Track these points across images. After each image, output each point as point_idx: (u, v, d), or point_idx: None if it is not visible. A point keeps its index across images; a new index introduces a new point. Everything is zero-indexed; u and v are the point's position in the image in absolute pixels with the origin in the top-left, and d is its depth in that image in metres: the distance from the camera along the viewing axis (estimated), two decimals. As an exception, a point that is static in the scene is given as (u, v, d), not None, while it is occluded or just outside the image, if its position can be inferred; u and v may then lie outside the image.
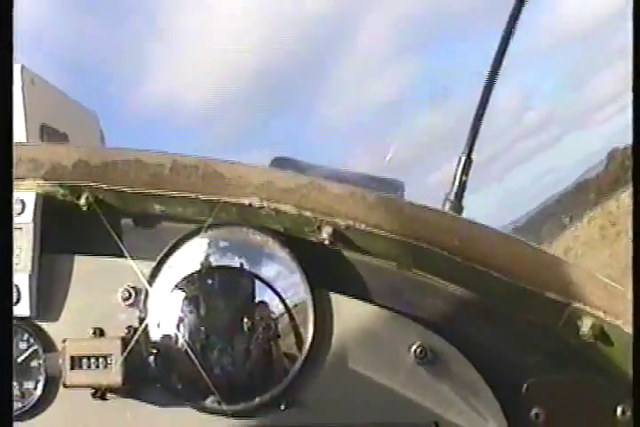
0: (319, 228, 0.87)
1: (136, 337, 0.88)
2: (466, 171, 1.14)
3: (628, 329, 0.84)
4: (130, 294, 0.90)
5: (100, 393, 0.89)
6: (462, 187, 1.14)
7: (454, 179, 1.15)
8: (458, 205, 1.14)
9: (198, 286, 0.89)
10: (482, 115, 1.16)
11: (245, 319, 0.88)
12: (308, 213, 0.86)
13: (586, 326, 0.85)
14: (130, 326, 0.89)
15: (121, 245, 0.90)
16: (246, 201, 0.87)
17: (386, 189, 1.13)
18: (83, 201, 0.89)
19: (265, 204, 0.87)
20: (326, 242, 0.86)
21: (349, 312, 0.88)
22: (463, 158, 1.14)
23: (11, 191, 0.72)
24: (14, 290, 0.89)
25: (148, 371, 0.89)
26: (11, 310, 0.81)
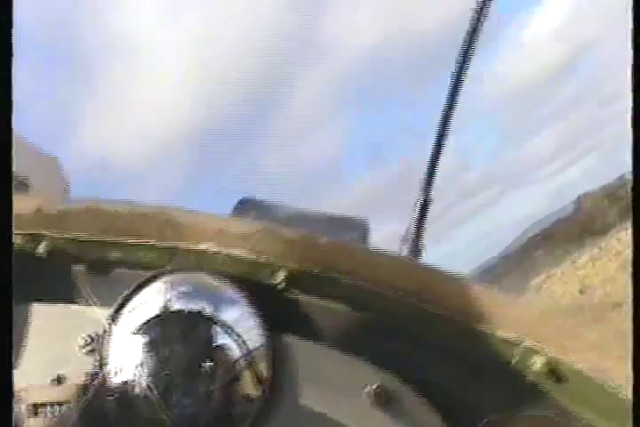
0: (274, 272, 0.88)
1: (96, 383, 0.89)
2: (424, 212, 1.16)
3: (581, 367, 0.86)
4: (89, 341, 0.91)
5: (61, 440, 0.89)
6: (420, 228, 1.16)
7: (412, 221, 1.17)
8: (417, 246, 1.16)
9: (158, 330, 0.90)
10: (437, 158, 1.18)
11: (205, 363, 0.89)
12: (262, 259, 0.88)
13: (538, 363, 0.86)
14: (90, 373, 0.90)
15: (84, 290, 0.92)
16: (203, 247, 0.89)
17: (348, 228, 1.15)
18: (41, 249, 0.90)
19: (221, 250, 0.88)
20: (281, 286, 0.88)
21: (305, 355, 0.89)
22: (421, 200, 1.16)
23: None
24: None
25: (109, 417, 0.89)
26: (10, 310, 0.80)
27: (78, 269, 0.93)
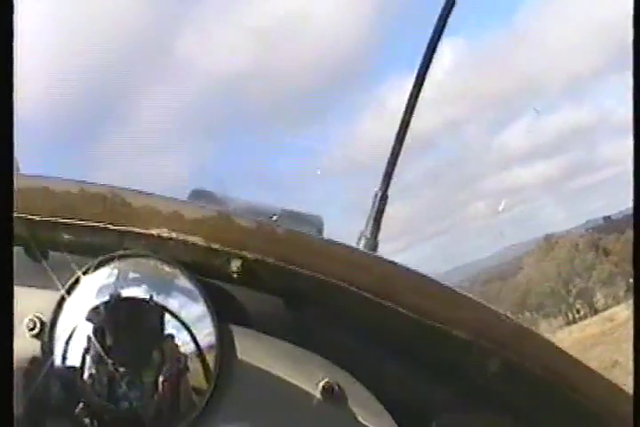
0: (228, 261, 0.85)
1: (40, 369, 0.86)
2: (381, 207, 1.14)
3: (535, 369, 0.84)
4: (35, 325, 0.89)
5: None
6: (377, 223, 1.14)
7: (369, 216, 1.14)
8: (373, 241, 1.13)
9: (106, 317, 0.88)
10: (398, 152, 1.16)
11: (153, 352, 0.87)
12: (216, 246, 0.85)
13: (493, 365, 0.84)
14: (34, 358, 0.88)
15: (29, 272, 0.89)
16: (155, 232, 0.86)
17: (302, 223, 1.13)
18: None
19: (174, 235, 0.85)
20: (235, 275, 0.85)
21: (256, 347, 0.86)
22: (379, 195, 1.14)
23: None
24: None
25: (52, 404, 0.87)
26: (11, 306, 0.77)
27: (28, 250, 0.90)
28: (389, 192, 1.13)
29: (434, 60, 1.18)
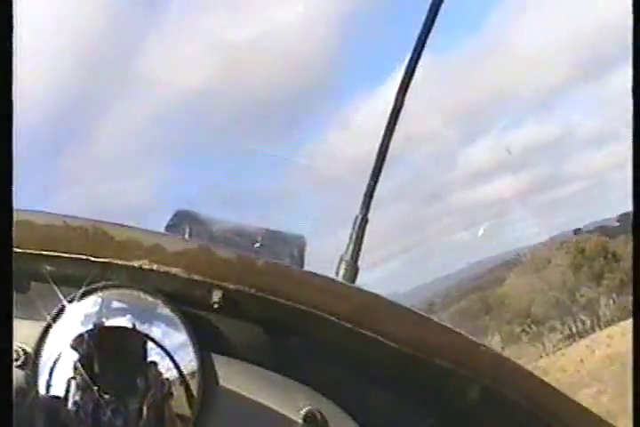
0: (209, 291, 0.86)
1: (25, 399, 0.87)
2: (361, 231, 1.14)
3: (514, 396, 0.85)
4: (19, 356, 0.89)
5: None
6: (358, 247, 1.15)
7: (350, 239, 1.15)
8: (353, 265, 1.14)
9: (90, 346, 0.89)
10: (378, 174, 1.16)
11: (138, 379, 0.88)
12: (197, 277, 0.86)
13: (473, 392, 0.86)
14: (19, 388, 0.88)
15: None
16: (136, 263, 0.86)
17: (284, 242, 1.13)
18: None
19: (155, 266, 0.86)
20: (216, 306, 0.86)
21: (238, 375, 0.87)
22: (359, 217, 1.15)
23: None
24: None
25: None
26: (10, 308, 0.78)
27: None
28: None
29: (399, 73, 1.19)
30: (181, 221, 1.15)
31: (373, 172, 1.16)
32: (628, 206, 0.66)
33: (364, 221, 1.15)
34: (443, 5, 1.24)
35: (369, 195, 1.16)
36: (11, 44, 0.62)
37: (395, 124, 1.17)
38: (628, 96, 0.64)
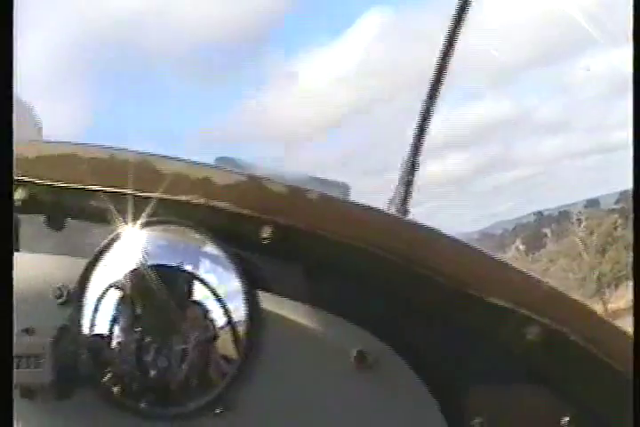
0: (259, 227, 0.83)
1: (68, 337, 0.85)
2: (411, 173, 1.11)
3: (575, 337, 0.82)
4: (62, 293, 0.87)
5: (30, 393, 0.86)
6: (408, 189, 1.12)
7: (398, 182, 1.12)
8: (403, 207, 1.11)
9: (134, 285, 0.86)
10: (429, 116, 1.13)
11: (182, 320, 0.86)
12: (246, 212, 0.83)
13: (531, 333, 0.82)
14: (62, 326, 0.86)
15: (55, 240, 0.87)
16: (184, 198, 0.84)
17: (328, 189, 1.10)
18: (17, 197, 0.86)
19: (203, 201, 0.83)
20: (266, 242, 0.83)
21: (288, 315, 0.85)
22: (408, 160, 1.12)
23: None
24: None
25: (80, 372, 0.86)
26: (10, 302, 0.76)
27: (55, 218, 0.89)
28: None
29: (362, 31, 1.15)
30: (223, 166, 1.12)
31: (423, 117, 1.13)
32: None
33: (414, 163, 1.12)
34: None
35: (418, 137, 1.13)
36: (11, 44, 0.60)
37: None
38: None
